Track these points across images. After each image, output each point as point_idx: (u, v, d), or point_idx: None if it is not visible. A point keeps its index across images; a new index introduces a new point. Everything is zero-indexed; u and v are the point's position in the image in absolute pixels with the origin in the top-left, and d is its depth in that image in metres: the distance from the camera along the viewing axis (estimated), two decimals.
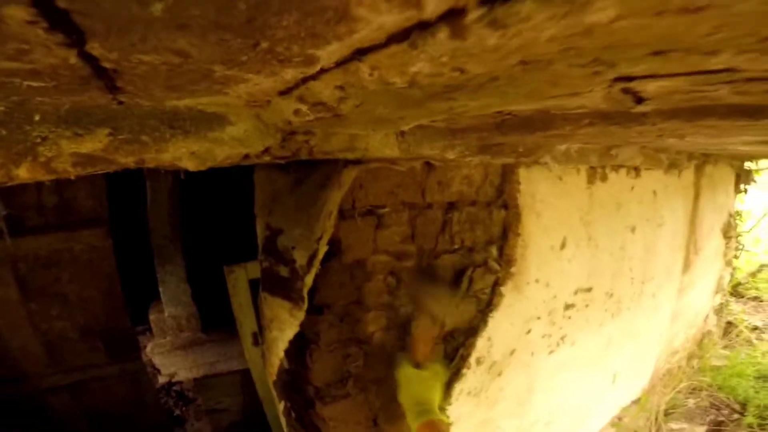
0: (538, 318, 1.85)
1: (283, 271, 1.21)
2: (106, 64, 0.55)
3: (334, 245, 1.33)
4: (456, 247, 1.51)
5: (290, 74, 0.59)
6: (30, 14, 0.37)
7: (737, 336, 4.09)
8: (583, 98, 0.62)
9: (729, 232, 3.46)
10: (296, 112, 0.79)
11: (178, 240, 3.55)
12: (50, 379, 2.31)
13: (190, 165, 0.97)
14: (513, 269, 1.60)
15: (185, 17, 0.40)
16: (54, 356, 2.29)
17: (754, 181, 3.53)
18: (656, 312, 2.84)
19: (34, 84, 0.63)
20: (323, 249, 1.13)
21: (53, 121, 0.81)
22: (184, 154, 0.93)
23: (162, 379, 4.28)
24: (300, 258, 1.18)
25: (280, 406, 1.46)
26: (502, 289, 1.58)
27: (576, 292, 2.02)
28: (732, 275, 4.07)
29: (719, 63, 0.44)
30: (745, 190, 3.55)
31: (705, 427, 3.36)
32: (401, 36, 0.44)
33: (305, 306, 1.15)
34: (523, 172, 1.53)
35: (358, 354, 1.52)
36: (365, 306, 1.47)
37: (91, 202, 2.03)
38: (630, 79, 0.56)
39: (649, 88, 0.64)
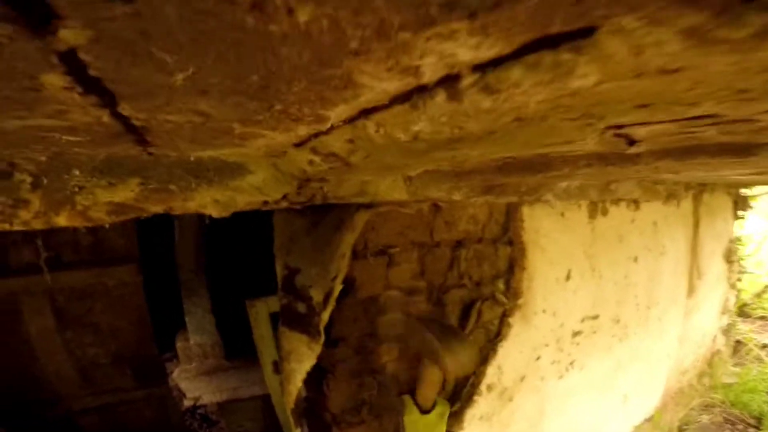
0: (547, 345, 1.78)
1: (301, 308, 1.20)
2: (136, 122, 0.56)
3: (349, 283, 1.31)
4: (464, 282, 1.47)
5: (303, 130, 0.59)
6: (66, 81, 0.38)
7: (747, 354, 3.90)
8: (577, 145, 0.61)
9: (730, 256, 3.35)
10: (310, 162, 0.80)
11: (203, 274, 3.58)
12: (82, 401, 2.31)
13: (215, 212, 0.98)
14: (520, 301, 1.55)
15: (205, 85, 0.41)
16: (86, 380, 2.30)
17: (751, 207, 3.43)
18: (663, 334, 2.73)
19: (72, 138, 0.65)
20: (338, 287, 1.11)
21: (89, 171, 0.83)
22: (209, 201, 0.93)
23: (187, 403, 4.23)
24: (316, 295, 1.17)
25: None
26: (510, 320, 1.53)
27: (583, 320, 1.95)
28: (737, 297, 3.90)
29: (701, 111, 0.42)
30: (743, 216, 3.45)
31: None
32: (403, 98, 0.43)
33: (322, 340, 1.13)
34: (526, 210, 1.51)
35: (371, 383, 1.47)
36: (378, 338, 1.44)
37: (123, 241, 2.06)
38: (621, 126, 0.55)
39: (640, 132, 0.63)
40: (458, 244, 1.47)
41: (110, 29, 0.25)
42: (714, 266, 3.17)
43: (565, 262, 1.73)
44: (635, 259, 2.23)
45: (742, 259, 3.74)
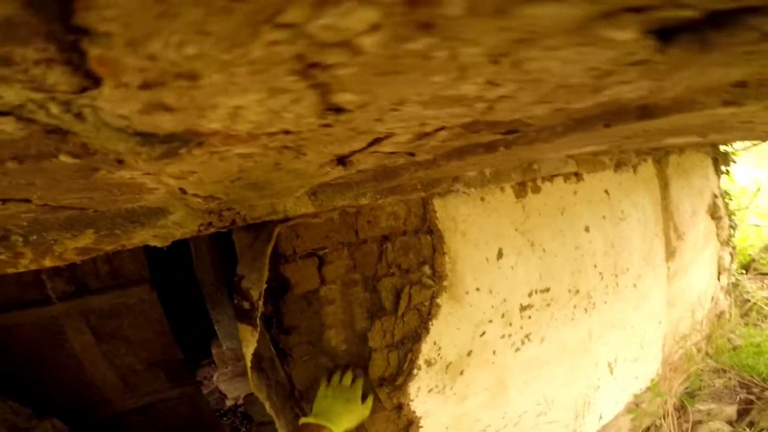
0: (491, 321, 2.01)
1: (246, 305, 1.54)
2: (54, 204, 0.91)
3: (286, 282, 1.64)
4: (393, 270, 1.76)
5: (152, 196, 0.91)
6: None
7: (757, 313, 3.83)
8: (335, 173, 0.88)
9: (717, 212, 3.34)
10: (199, 203, 1.12)
11: (223, 285, 4.05)
12: (127, 403, 2.76)
13: (158, 243, 1.33)
14: (445, 283, 1.81)
15: (59, 195, 0.74)
16: (127, 384, 2.74)
17: (734, 162, 3.41)
18: (643, 300, 2.82)
19: (28, 215, 1.01)
20: (263, 287, 1.44)
21: (58, 228, 1.20)
22: (149, 237, 1.28)
23: (229, 402, 4.71)
24: (255, 295, 1.50)
25: (267, 405, 1.77)
26: (438, 300, 1.80)
27: (531, 294, 2.15)
28: (734, 254, 3.84)
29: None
30: (727, 172, 3.43)
31: (735, 406, 3.19)
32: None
33: (259, 329, 1.46)
34: (437, 202, 1.76)
35: (327, 362, 1.80)
36: (326, 325, 1.75)
37: (135, 266, 2.51)
38: (350, 154, 0.82)
39: (388, 148, 0.88)
40: (384, 239, 1.75)
41: None
42: (698, 224, 3.19)
43: (494, 242, 1.95)
44: (586, 229, 2.38)
45: (733, 214, 3.68)
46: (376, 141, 0.62)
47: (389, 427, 1.91)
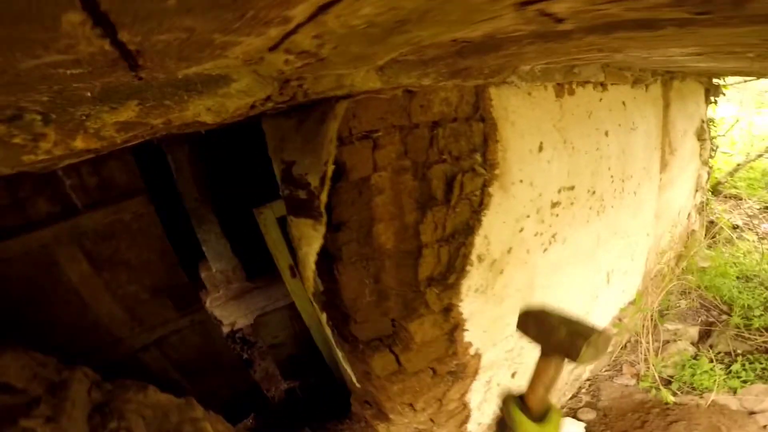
0: (528, 216, 2.00)
1: (302, 194, 1.37)
2: (131, 47, 0.66)
3: (340, 167, 1.47)
4: (444, 157, 1.65)
5: (274, 32, 0.70)
6: (82, 17, 0.48)
7: (719, 235, 4.12)
8: (502, 21, 0.72)
9: (702, 135, 3.59)
10: (286, 62, 0.92)
11: (208, 200, 3.71)
12: (138, 339, 2.44)
13: (209, 119, 1.12)
14: (497, 171, 1.74)
15: (191, 3, 0.52)
16: (135, 318, 2.40)
17: (723, 94, 3.66)
18: (639, 209, 2.97)
19: (75, 71, 0.75)
20: (330, 169, 1.27)
21: (90, 102, 0.93)
22: (202, 110, 1.07)
23: (225, 329, 4.55)
24: (313, 180, 1.34)
25: (323, 317, 1.66)
26: (490, 189, 1.74)
27: (560, 191, 2.15)
28: (710, 174, 4.11)
29: None
30: (715, 102, 3.65)
31: (697, 327, 3.45)
32: None
33: (324, 219, 1.32)
34: (493, 90, 1.65)
35: (375, 264, 1.70)
36: (376, 219, 1.63)
37: (126, 176, 2.16)
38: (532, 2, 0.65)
39: (557, 8, 0.73)
40: (435, 124, 1.62)
41: None
42: (686, 143, 3.40)
43: (537, 135, 1.89)
44: (606, 133, 2.38)
45: (714, 138, 3.91)
46: None
47: (435, 332, 1.85)
